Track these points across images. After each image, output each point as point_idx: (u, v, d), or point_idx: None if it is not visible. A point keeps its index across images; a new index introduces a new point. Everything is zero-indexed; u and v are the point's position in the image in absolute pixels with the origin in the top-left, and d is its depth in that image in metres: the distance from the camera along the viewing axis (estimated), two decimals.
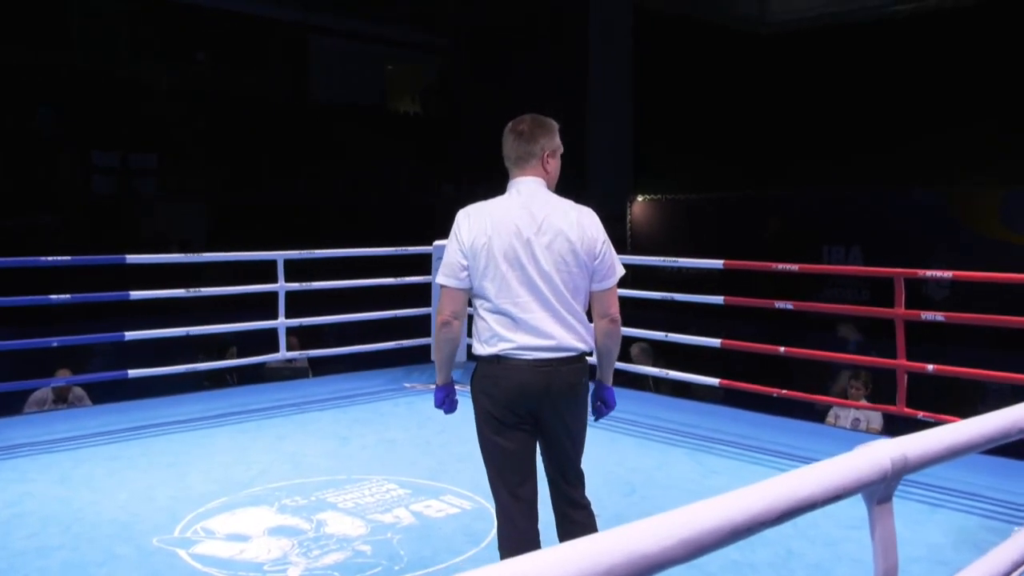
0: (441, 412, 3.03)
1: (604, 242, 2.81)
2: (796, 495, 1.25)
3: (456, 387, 3.01)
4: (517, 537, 2.74)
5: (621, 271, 2.89)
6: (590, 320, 2.87)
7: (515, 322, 2.71)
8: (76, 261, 5.74)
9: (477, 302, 2.79)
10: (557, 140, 2.89)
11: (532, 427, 2.79)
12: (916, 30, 13.66)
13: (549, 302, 2.71)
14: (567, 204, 2.82)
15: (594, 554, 0.96)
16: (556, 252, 2.72)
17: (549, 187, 2.86)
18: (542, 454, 2.87)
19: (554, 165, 2.88)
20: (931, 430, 1.68)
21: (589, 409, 2.96)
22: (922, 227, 11.89)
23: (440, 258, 6.84)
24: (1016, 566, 1.82)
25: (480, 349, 2.79)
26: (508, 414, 2.74)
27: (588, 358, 2.85)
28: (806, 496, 1.27)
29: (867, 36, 14.27)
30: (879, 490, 1.45)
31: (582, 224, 2.78)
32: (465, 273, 2.75)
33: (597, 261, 2.79)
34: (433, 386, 3.02)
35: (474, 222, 2.74)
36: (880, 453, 1.45)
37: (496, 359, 2.74)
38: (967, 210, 11.80)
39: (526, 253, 2.71)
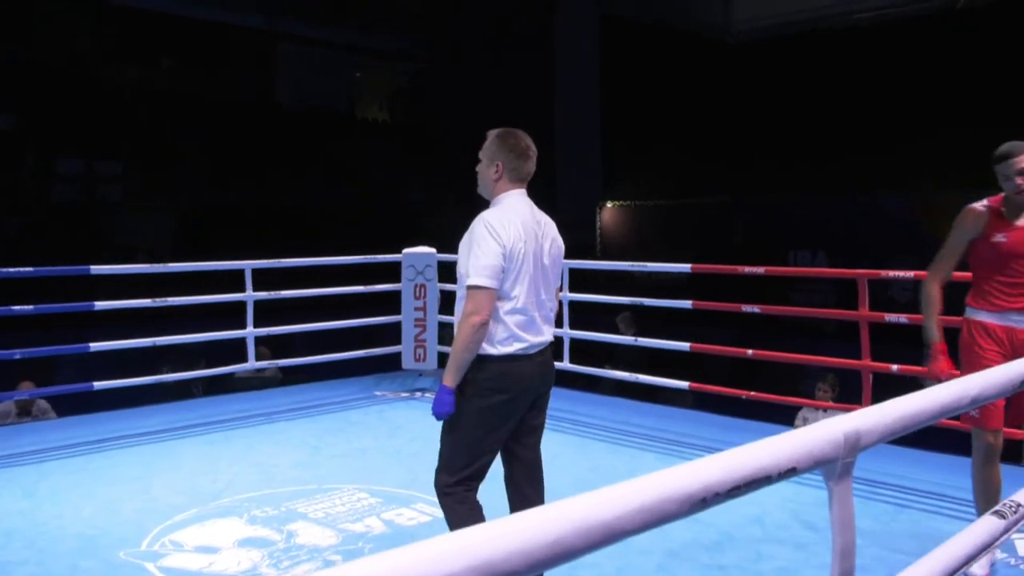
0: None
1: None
2: (750, 466, 1.27)
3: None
4: (462, 499, 2.95)
5: None
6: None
7: (528, 322, 2.93)
8: (39, 272, 5.65)
9: (499, 304, 2.88)
10: None
11: (520, 418, 3.01)
12: (880, 38, 13.87)
13: (544, 302, 3.00)
14: (543, 212, 3.11)
15: (545, 523, 0.96)
16: (553, 256, 3.05)
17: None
18: (517, 442, 3.04)
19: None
20: (882, 404, 1.70)
21: None
22: (888, 233, 12.08)
23: (413, 266, 6.84)
24: (971, 556, 1.85)
25: (492, 350, 2.88)
26: (520, 407, 2.96)
27: None
28: (760, 467, 1.28)
29: (831, 44, 14.47)
30: (836, 467, 1.47)
31: (557, 233, 3.14)
32: (502, 275, 2.86)
33: (563, 261, 3.20)
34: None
35: (511, 228, 2.88)
36: (834, 426, 1.48)
37: (511, 358, 2.90)
38: (933, 216, 12.01)
39: (540, 258, 2.98)
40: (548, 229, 3.05)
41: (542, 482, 3.14)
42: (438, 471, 2.99)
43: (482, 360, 2.88)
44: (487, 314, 2.82)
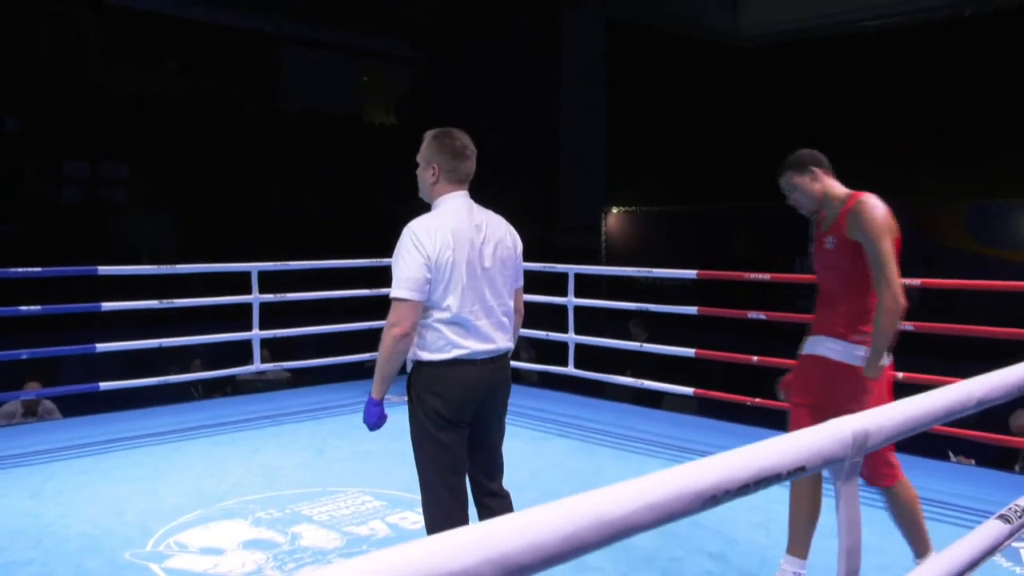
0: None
1: (520, 251, 3.07)
2: (760, 463, 1.27)
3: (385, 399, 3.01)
4: (453, 526, 2.79)
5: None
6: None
7: (467, 330, 2.84)
8: (47, 272, 5.67)
9: (430, 312, 2.83)
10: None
11: (468, 424, 2.91)
12: (886, 46, 13.88)
13: (493, 308, 2.89)
14: (491, 212, 3.00)
15: (559, 518, 0.97)
16: (498, 258, 2.92)
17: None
18: (469, 448, 2.97)
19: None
20: (890, 404, 1.70)
21: None
22: None
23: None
24: (975, 560, 1.85)
25: (429, 356, 2.85)
26: (457, 412, 2.86)
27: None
28: (770, 465, 1.28)
29: (837, 51, 14.48)
30: (844, 466, 1.48)
31: (510, 230, 3.03)
32: (428, 286, 2.79)
33: (519, 263, 3.06)
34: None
35: (436, 236, 2.80)
36: (842, 426, 1.48)
37: (448, 363, 2.84)
38: (935, 223, 12.00)
39: (479, 263, 2.86)
40: (492, 231, 2.92)
41: (498, 493, 3.05)
42: (423, 506, 2.96)
43: (419, 366, 2.88)
44: (408, 326, 2.78)
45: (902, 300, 3.05)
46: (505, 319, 2.95)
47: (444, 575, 0.82)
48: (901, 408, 1.66)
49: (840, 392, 3.15)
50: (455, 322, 2.82)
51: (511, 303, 2.98)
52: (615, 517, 1.00)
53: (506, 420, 3.11)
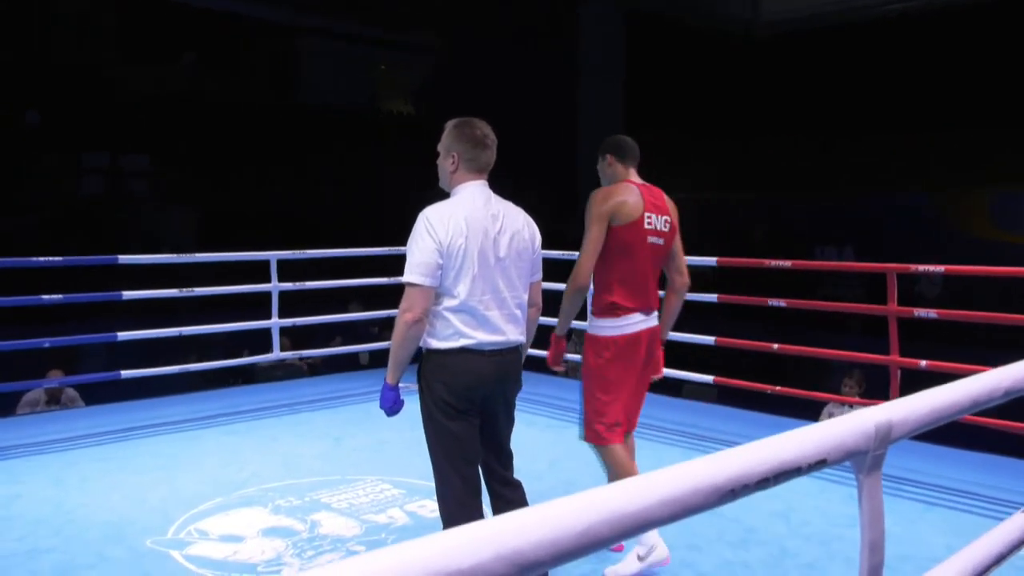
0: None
1: (538, 242, 3.04)
2: (780, 457, 1.24)
3: (401, 387, 3.01)
4: (469, 517, 2.84)
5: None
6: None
7: (477, 320, 2.82)
8: (68, 261, 5.71)
9: (441, 300, 2.82)
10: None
11: (477, 414, 2.90)
12: (906, 30, 13.70)
13: (505, 300, 2.86)
14: (510, 204, 2.98)
15: (573, 514, 0.95)
16: (514, 250, 2.89)
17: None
18: (481, 439, 2.97)
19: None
20: (914, 395, 1.66)
21: None
22: (913, 229, 11.94)
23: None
24: (1002, 555, 1.82)
25: (437, 344, 2.84)
26: (463, 401, 2.84)
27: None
28: (790, 459, 1.26)
29: (858, 38, 14.31)
30: (867, 459, 1.44)
31: (529, 221, 3.00)
32: (440, 272, 2.78)
33: (536, 255, 3.01)
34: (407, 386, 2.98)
35: (450, 223, 2.78)
36: (865, 418, 1.45)
37: (454, 351, 2.83)
38: (959, 211, 11.86)
39: (493, 253, 2.84)
40: (508, 222, 2.88)
41: (510, 482, 3.05)
42: (438, 496, 2.95)
43: (428, 353, 2.88)
44: (420, 311, 2.77)
45: (579, 281, 3.37)
46: (518, 311, 2.91)
47: (456, 571, 0.81)
48: (926, 399, 1.63)
49: (584, 360, 3.51)
50: (464, 310, 2.80)
51: (525, 296, 2.95)
52: (630, 512, 0.98)
53: (524, 408, 3.10)
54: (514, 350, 2.93)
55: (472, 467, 2.92)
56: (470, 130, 2.91)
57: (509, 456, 3.06)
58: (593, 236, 3.36)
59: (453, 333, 2.81)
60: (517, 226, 2.92)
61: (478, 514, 2.91)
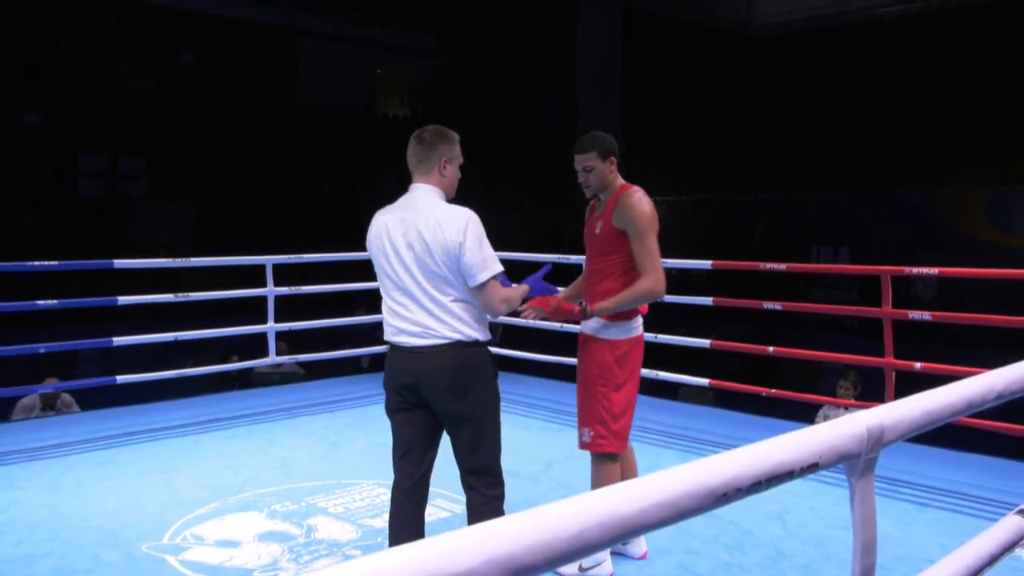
0: None
1: (461, 244, 2.89)
2: (772, 460, 1.25)
3: None
4: (392, 511, 3.06)
5: (493, 269, 2.95)
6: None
7: (395, 315, 2.99)
8: (64, 266, 5.71)
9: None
10: (457, 150, 3.08)
11: (423, 411, 3.00)
12: (903, 32, 13.73)
13: (418, 298, 2.94)
14: (440, 209, 2.95)
15: (566, 518, 0.95)
16: (416, 252, 2.93)
17: (446, 193, 3.04)
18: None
19: (451, 172, 3.06)
20: (907, 398, 1.66)
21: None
22: (909, 228, 11.96)
23: None
24: (995, 556, 1.82)
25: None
26: (393, 396, 3.03)
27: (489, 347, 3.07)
28: (782, 462, 1.26)
29: (855, 38, 14.34)
30: (859, 462, 1.45)
31: (441, 226, 2.90)
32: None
33: (458, 261, 2.90)
34: None
35: (372, 226, 3.05)
36: (857, 421, 1.45)
37: (390, 346, 3.05)
38: (953, 211, 11.87)
39: (394, 253, 2.96)
40: (415, 224, 2.91)
41: (473, 487, 3.06)
42: None
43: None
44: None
45: (662, 287, 3.27)
46: (438, 310, 2.92)
47: None
48: (919, 402, 1.63)
49: (591, 363, 3.38)
50: (385, 305, 3.02)
51: (447, 296, 2.91)
52: (624, 515, 0.99)
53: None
54: (439, 349, 2.92)
55: (404, 464, 3.04)
56: (413, 134, 3.10)
57: (477, 465, 3.03)
58: (656, 245, 3.31)
59: (387, 325, 3.04)
60: (420, 229, 2.92)
61: (397, 510, 3.05)
